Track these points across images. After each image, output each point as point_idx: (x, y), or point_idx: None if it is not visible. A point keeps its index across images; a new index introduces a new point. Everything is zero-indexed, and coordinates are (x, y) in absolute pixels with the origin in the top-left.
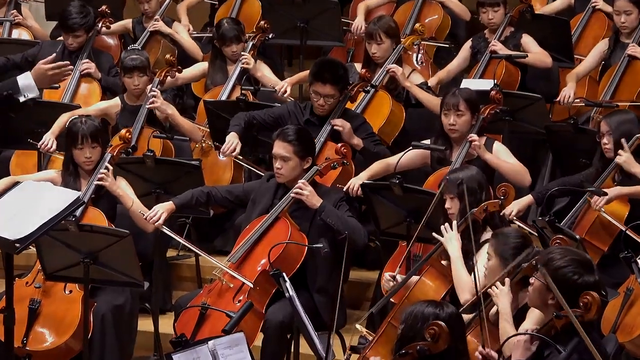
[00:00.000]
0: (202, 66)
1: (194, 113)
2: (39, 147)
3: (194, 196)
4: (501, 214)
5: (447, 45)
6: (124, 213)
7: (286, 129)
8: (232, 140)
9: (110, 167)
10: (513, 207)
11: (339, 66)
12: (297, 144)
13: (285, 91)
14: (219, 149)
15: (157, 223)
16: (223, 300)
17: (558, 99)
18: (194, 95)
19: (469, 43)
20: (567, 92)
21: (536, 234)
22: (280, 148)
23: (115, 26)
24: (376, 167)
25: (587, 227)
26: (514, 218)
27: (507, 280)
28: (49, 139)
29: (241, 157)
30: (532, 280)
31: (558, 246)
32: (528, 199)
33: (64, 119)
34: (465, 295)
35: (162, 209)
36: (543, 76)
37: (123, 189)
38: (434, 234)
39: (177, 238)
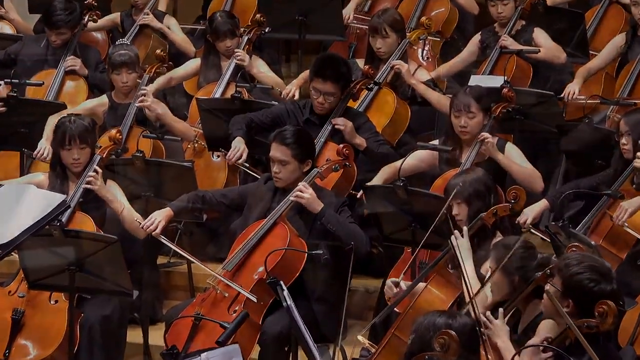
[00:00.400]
0: (195, 63)
1: (185, 112)
2: (34, 156)
3: (189, 200)
4: (515, 222)
5: (438, 39)
6: (114, 218)
7: (284, 130)
8: (239, 146)
9: (100, 170)
10: (528, 215)
11: (342, 63)
12: (295, 147)
13: (294, 95)
14: (225, 155)
15: (155, 232)
16: (217, 310)
17: (562, 95)
18: (185, 93)
19: (477, 37)
20: (572, 89)
21: (549, 240)
22: (277, 151)
23: (102, 21)
24: (387, 171)
25: (604, 233)
26: (530, 226)
27: (500, 310)
28: (44, 147)
29: (247, 165)
30: (547, 287)
31: (575, 252)
32: (542, 204)
33: (53, 122)
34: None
35: (160, 217)
36: (556, 73)
37: (113, 193)
38: (450, 240)
39: (170, 245)
